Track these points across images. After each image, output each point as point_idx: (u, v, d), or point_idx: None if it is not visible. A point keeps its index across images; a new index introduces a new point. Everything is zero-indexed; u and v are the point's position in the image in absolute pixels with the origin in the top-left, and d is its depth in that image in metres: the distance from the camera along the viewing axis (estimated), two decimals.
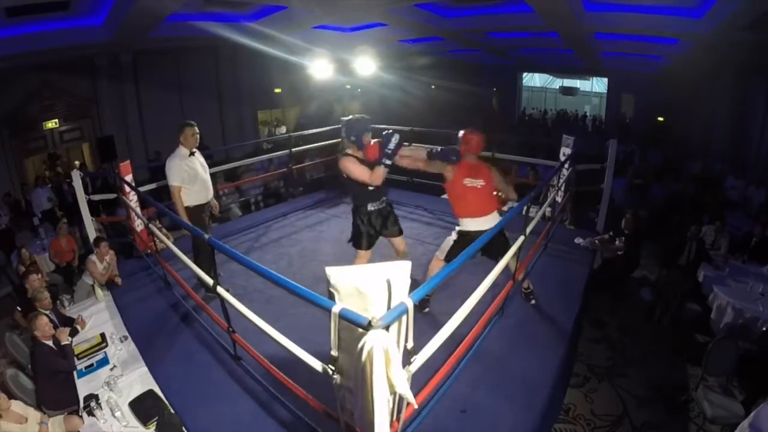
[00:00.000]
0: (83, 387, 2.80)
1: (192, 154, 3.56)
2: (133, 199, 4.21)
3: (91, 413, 2.53)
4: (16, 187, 8.65)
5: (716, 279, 4.81)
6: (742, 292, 4.51)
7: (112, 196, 4.72)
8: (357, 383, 1.49)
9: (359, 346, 1.36)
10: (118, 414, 2.49)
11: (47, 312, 3.12)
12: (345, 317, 1.40)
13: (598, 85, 17.56)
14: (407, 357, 1.59)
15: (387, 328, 1.34)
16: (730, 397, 3.36)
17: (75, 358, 3.00)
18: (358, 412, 1.60)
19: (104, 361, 3.01)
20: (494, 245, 2.74)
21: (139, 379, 2.78)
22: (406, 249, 3.51)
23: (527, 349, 2.91)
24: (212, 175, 3.83)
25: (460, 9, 9.36)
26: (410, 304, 1.42)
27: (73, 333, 3.20)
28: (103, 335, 3.25)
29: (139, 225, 4.36)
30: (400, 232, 3.38)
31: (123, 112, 10.36)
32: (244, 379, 2.67)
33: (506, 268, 2.79)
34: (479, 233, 2.75)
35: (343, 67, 8.75)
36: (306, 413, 2.25)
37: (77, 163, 9.53)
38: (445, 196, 6.10)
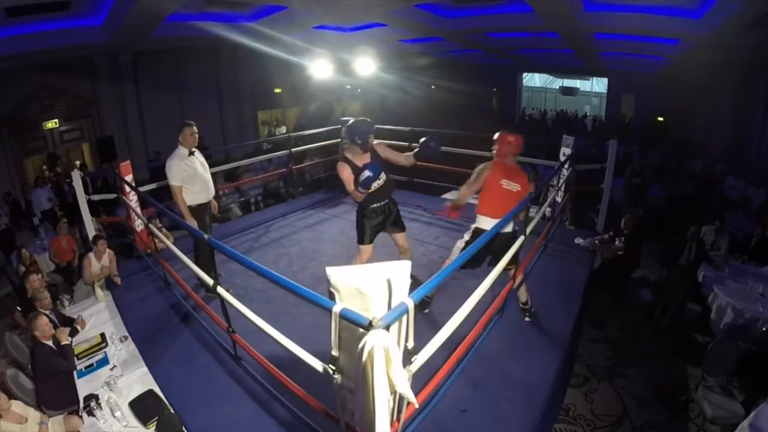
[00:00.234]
0: (83, 387, 2.79)
1: (192, 153, 3.56)
2: (133, 199, 4.22)
3: (91, 413, 2.53)
4: (16, 187, 8.65)
5: (716, 279, 4.81)
6: (742, 293, 4.51)
7: (112, 196, 4.72)
8: (357, 383, 1.49)
9: (360, 346, 1.36)
10: (118, 414, 2.49)
11: (47, 312, 3.12)
12: (345, 317, 1.40)
13: (598, 85, 17.57)
14: (407, 357, 1.59)
15: (387, 328, 1.34)
16: (730, 398, 3.36)
17: (75, 358, 2.99)
18: (358, 412, 1.60)
19: (104, 361, 3.01)
20: (503, 249, 2.68)
21: (139, 379, 2.78)
22: (410, 250, 3.54)
23: (527, 349, 2.91)
24: (212, 175, 3.83)
25: (460, 9, 9.36)
26: (411, 304, 1.42)
27: (73, 333, 3.20)
28: (103, 335, 3.25)
29: (139, 225, 4.36)
30: (403, 229, 3.41)
31: (123, 112, 10.36)
32: (245, 379, 2.67)
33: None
34: (502, 234, 2.79)
35: (343, 67, 8.76)
36: (306, 413, 2.25)
37: (77, 163, 9.53)
38: (445, 195, 6.17)
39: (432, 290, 2.50)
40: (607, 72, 15.61)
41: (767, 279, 4.72)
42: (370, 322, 1.31)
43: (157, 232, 3.75)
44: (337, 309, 1.43)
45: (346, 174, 3.07)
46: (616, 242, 4.92)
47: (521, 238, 2.76)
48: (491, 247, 2.69)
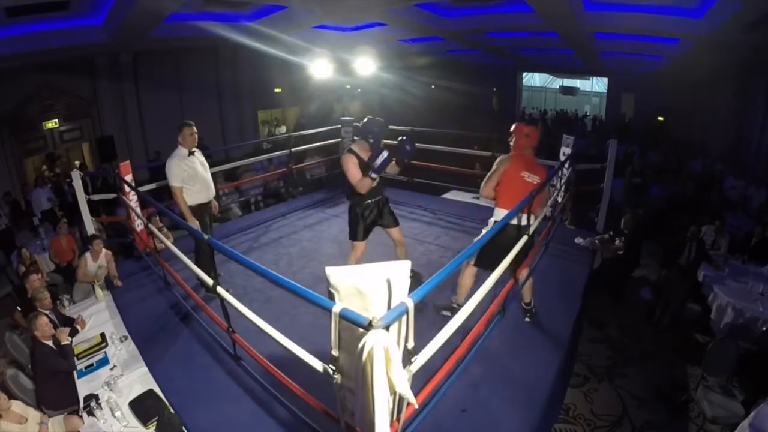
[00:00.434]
0: (83, 387, 2.79)
1: (192, 153, 3.56)
2: (133, 199, 4.22)
3: (91, 413, 2.53)
4: (16, 187, 8.65)
5: (716, 279, 4.81)
6: (742, 292, 4.51)
7: (112, 196, 4.72)
8: (357, 383, 1.49)
9: (360, 345, 1.36)
10: (118, 414, 2.49)
11: (47, 312, 3.12)
12: (345, 317, 1.40)
13: (598, 85, 17.56)
14: (408, 357, 1.59)
15: (387, 327, 1.34)
16: (730, 397, 3.36)
17: (75, 358, 2.99)
18: (358, 412, 1.60)
19: (104, 361, 3.01)
20: (522, 249, 2.66)
21: (139, 379, 2.78)
22: (405, 243, 3.59)
23: (527, 349, 2.91)
24: (212, 175, 3.82)
25: (460, 9, 9.36)
26: (410, 304, 1.42)
27: (73, 333, 3.20)
28: (103, 335, 3.25)
29: (138, 225, 4.36)
30: (396, 223, 3.47)
31: (123, 112, 10.35)
32: (244, 379, 2.67)
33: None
34: (514, 227, 2.81)
35: (343, 67, 8.74)
36: (306, 413, 2.25)
37: (77, 163, 9.52)
38: (445, 196, 6.16)
39: (431, 291, 2.49)
40: (607, 72, 15.61)
41: (767, 279, 4.72)
42: (370, 322, 1.31)
43: (157, 232, 3.75)
44: (336, 309, 1.43)
45: (352, 165, 3.13)
46: (616, 242, 4.92)
47: (524, 238, 2.75)
48: (507, 242, 2.66)
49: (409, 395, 1.43)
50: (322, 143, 6.59)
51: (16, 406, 2.51)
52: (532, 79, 19.26)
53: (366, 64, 7.02)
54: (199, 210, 3.61)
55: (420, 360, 1.65)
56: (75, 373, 2.91)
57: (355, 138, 3.78)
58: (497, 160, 3.00)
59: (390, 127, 5.80)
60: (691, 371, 4.04)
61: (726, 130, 11.18)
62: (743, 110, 10.56)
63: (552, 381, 2.64)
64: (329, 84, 11.71)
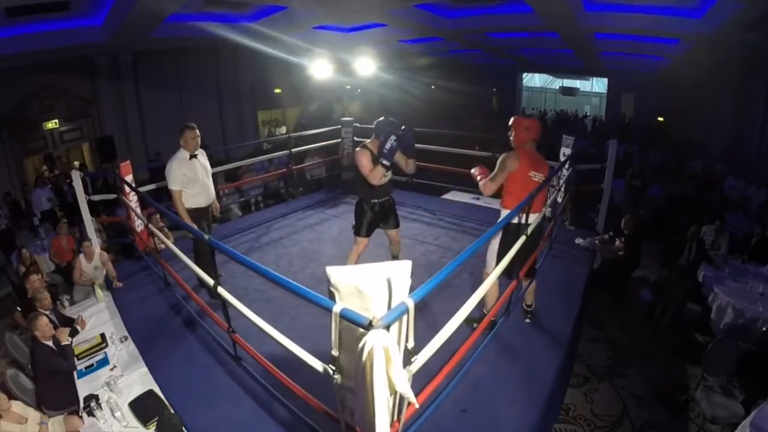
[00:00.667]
0: (83, 387, 2.79)
1: (194, 156, 3.50)
2: (133, 199, 4.22)
3: (91, 413, 2.53)
4: (16, 187, 8.65)
5: (716, 279, 4.81)
6: (742, 292, 4.51)
7: (112, 196, 4.71)
8: (358, 383, 1.49)
9: (360, 345, 1.36)
10: (118, 414, 2.49)
11: (47, 312, 3.12)
12: (345, 317, 1.40)
13: (598, 85, 17.57)
14: (408, 357, 1.59)
15: (388, 327, 1.34)
16: (730, 397, 3.36)
17: (75, 359, 2.99)
18: (358, 412, 1.60)
19: (104, 362, 3.01)
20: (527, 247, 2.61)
21: (139, 380, 2.78)
22: (401, 244, 3.69)
23: (527, 349, 2.91)
24: (212, 175, 3.79)
25: (459, 9, 9.37)
26: (411, 304, 1.42)
27: (73, 333, 3.20)
28: (103, 335, 3.25)
29: (139, 225, 4.36)
30: (397, 226, 3.58)
31: (123, 112, 10.36)
32: (245, 379, 2.67)
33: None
34: (525, 226, 2.73)
35: (343, 67, 8.75)
36: (306, 413, 2.25)
37: (76, 163, 9.53)
38: (444, 196, 6.16)
39: (432, 290, 2.48)
40: (607, 72, 15.61)
41: (767, 279, 4.72)
42: (370, 321, 1.31)
43: (157, 232, 3.74)
44: (337, 309, 1.43)
45: (364, 158, 3.22)
46: (616, 242, 4.92)
47: (522, 238, 2.75)
48: (529, 240, 2.63)
49: (410, 395, 1.43)
50: (322, 144, 6.59)
51: (16, 406, 2.51)
52: (532, 80, 19.28)
53: (366, 65, 7.02)
54: (197, 214, 3.55)
55: (420, 360, 1.65)
56: (75, 373, 2.90)
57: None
58: (501, 158, 2.88)
59: None
60: (691, 371, 4.04)
61: (726, 130, 11.18)
62: (743, 110, 10.57)
63: (552, 381, 2.64)
64: (329, 84, 11.72)
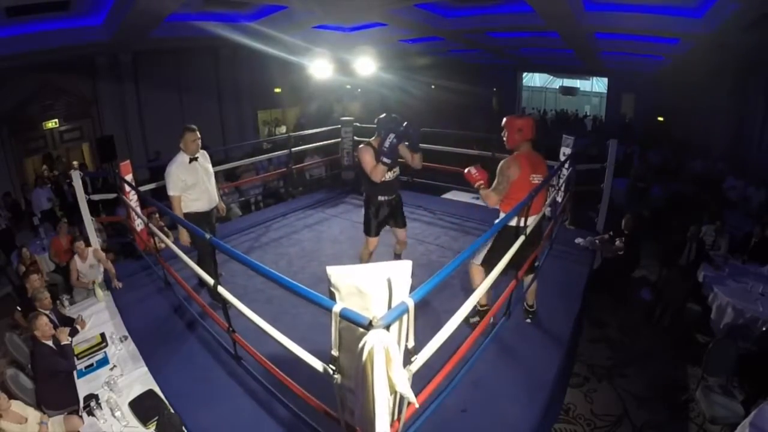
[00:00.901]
0: (83, 387, 2.79)
1: (194, 159, 3.39)
2: (133, 198, 4.21)
3: (91, 413, 2.53)
4: (16, 187, 8.65)
5: (716, 279, 4.81)
6: (742, 292, 4.51)
7: (112, 196, 4.72)
8: (358, 383, 1.49)
9: (360, 345, 1.36)
10: (118, 414, 2.49)
11: (47, 312, 3.12)
12: (346, 317, 1.40)
13: (598, 85, 17.55)
14: (408, 356, 1.59)
15: (388, 327, 1.34)
16: (730, 397, 3.36)
17: (75, 358, 2.99)
18: (358, 411, 1.60)
19: (104, 361, 3.01)
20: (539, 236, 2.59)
21: (139, 379, 2.78)
22: (407, 245, 3.69)
23: (527, 349, 2.91)
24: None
25: (460, 9, 9.36)
26: (411, 304, 1.42)
27: (73, 333, 3.20)
28: (103, 335, 3.25)
29: (139, 225, 4.36)
30: (404, 225, 3.57)
31: (123, 112, 10.35)
32: (245, 379, 2.67)
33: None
34: (522, 229, 2.69)
35: (343, 67, 8.75)
36: (306, 413, 2.25)
37: (75, 163, 9.52)
38: (445, 195, 6.16)
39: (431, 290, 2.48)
40: (607, 72, 15.59)
41: (767, 279, 4.72)
42: (370, 321, 1.31)
43: (157, 232, 3.74)
44: (337, 308, 1.43)
45: (367, 155, 3.21)
46: (616, 242, 4.92)
47: (521, 238, 2.75)
48: (528, 239, 2.61)
49: (410, 395, 1.43)
50: (321, 143, 6.59)
51: (16, 406, 2.51)
52: (532, 80, 19.25)
53: (366, 65, 7.02)
54: (198, 218, 3.41)
55: (420, 360, 1.65)
56: (75, 373, 2.91)
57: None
58: (501, 166, 2.78)
59: None
60: (691, 371, 4.04)
61: (726, 130, 11.18)
62: (743, 110, 10.56)
63: (552, 381, 2.64)
64: (329, 84, 11.73)
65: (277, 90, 14.04)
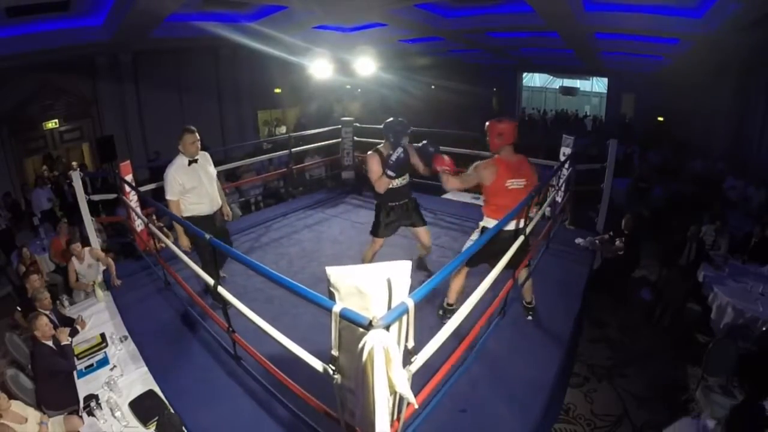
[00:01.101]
0: (83, 387, 2.79)
1: (194, 161, 3.29)
2: (133, 199, 4.22)
3: (91, 413, 2.53)
4: (16, 187, 8.65)
5: (716, 279, 4.81)
6: (742, 292, 4.51)
7: (112, 196, 4.72)
8: (357, 383, 1.49)
9: (360, 345, 1.36)
10: (118, 414, 2.49)
11: (47, 312, 3.12)
12: (345, 317, 1.40)
13: (598, 85, 17.55)
14: (408, 357, 1.59)
15: (387, 327, 1.34)
16: (730, 397, 3.36)
17: (75, 358, 2.99)
18: (358, 411, 1.60)
19: (104, 361, 3.01)
20: (507, 248, 2.58)
21: (139, 379, 2.78)
22: (431, 249, 3.69)
23: (527, 349, 2.91)
24: None
25: (460, 9, 9.37)
26: (411, 304, 1.42)
27: (73, 333, 3.20)
28: (103, 335, 3.25)
29: (139, 225, 4.36)
30: (423, 224, 3.53)
31: (123, 112, 10.35)
32: (245, 379, 2.67)
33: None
34: (506, 232, 2.70)
35: (343, 67, 8.76)
36: (306, 413, 2.25)
37: (75, 164, 9.52)
38: (445, 195, 6.16)
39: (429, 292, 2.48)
40: (607, 72, 15.60)
41: (767, 279, 4.72)
42: (370, 321, 1.31)
43: (157, 232, 3.74)
44: (337, 309, 1.43)
45: (374, 163, 3.19)
46: (616, 242, 4.92)
47: (521, 238, 2.75)
48: (494, 247, 2.59)
49: (409, 395, 1.43)
50: (322, 143, 6.59)
51: (16, 406, 2.51)
52: (532, 80, 19.25)
53: (366, 65, 7.02)
54: (197, 223, 3.14)
55: (420, 360, 1.65)
56: (75, 373, 2.91)
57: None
58: (476, 165, 2.79)
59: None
60: (691, 371, 4.04)
61: (726, 130, 11.18)
62: (743, 110, 10.56)
63: (552, 381, 2.64)
64: (329, 84, 11.73)
65: (277, 90, 14.04)
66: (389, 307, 1.44)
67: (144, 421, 2.45)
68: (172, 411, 2.48)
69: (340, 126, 6.29)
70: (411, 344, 1.56)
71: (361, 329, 1.35)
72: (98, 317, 3.53)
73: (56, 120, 9.60)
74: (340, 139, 6.32)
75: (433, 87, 16.97)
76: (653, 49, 10.26)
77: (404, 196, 3.39)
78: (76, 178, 4.21)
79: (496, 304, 2.80)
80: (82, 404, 2.63)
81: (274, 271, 1.88)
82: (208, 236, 2.45)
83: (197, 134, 3.28)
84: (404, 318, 1.46)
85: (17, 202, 8.09)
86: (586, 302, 3.85)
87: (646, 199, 7.97)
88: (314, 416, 2.18)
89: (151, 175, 6.58)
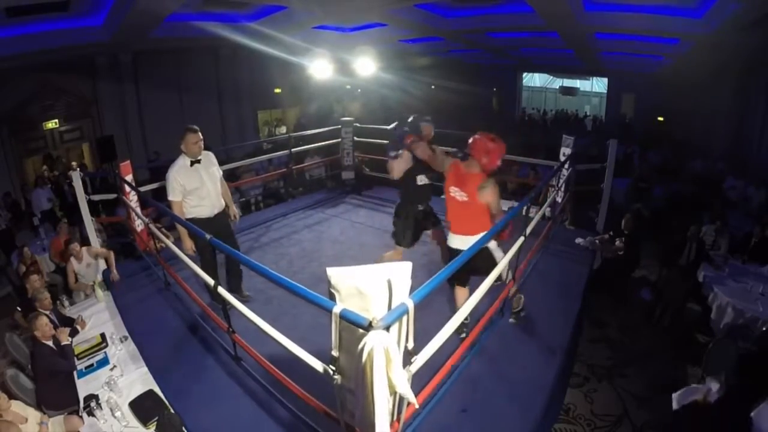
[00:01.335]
0: (83, 387, 2.80)
1: (197, 162, 3.20)
2: (133, 199, 4.22)
3: (91, 413, 2.53)
4: (16, 187, 8.65)
5: (716, 279, 4.80)
6: (742, 292, 4.51)
7: (112, 196, 4.72)
8: (357, 383, 1.49)
9: (360, 346, 1.36)
10: (118, 414, 2.49)
11: (47, 312, 3.13)
12: (345, 318, 1.40)
13: (598, 85, 17.55)
14: (408, 357, 1.59)
15: (387, 328, 1.34)
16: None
17: (75, 359, 3.00)
18: (358, 412, 1.60)
19: (104, 361, 3.01)
20: (479, 264, 2.44)
21: (139, 379, 2.78)
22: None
23: (527, 348, 2.91)
24: None
25: (460, 9, 9.37)
26: (411, 305, 1.42)
27: (73, 333, 3.20)
28: (103, 335, 3.25)
29: (139, 225, 4.36)
30: (440, 224, 3.49)
31: (123, 112, 10.36)
32: (245, 379, 2.67)
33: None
34: (456, 252, 2.52)
35: (343, 67, 8.75)
36: (306, 413, 2.25)
37: (75, 164, 9.52)
38: (444, 196, 6.16)
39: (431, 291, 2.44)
40: (607, 72, 15.60)
41: (767, 279, 4.72)
42: (370, 322, 1.31)
43: (157, 232, 3.74)
44: (337, 309, 1.43)
45: (393, 161, 3.25)
46: (616, 242, 4.92)
47: (521, 239, 2.75)
48: (467, 265, 2.13)
49: (410, 395, 1.43)
50: (322, 144, 6.59)
51: (16, 406, 2.51)
52: (532, 80, 19.26)
53: (366, 65, 7.02)
54: (200, 225, 3.03)
55: (420, 360, 1.65)
56: (75, 373, 2.91)
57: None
58: (445, 159, 2.88)
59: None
60: (691, 371, 4.04)
61: (726, 130, 11.18)
62: (743, 110, 10.56)
63: (552, 381, 2.64)
64: (329, 84, 11.72)
65: (277, 90, 14.04)
66: (389, 308, 1.44)
67: (144, 421, 2.45)
68: (172, 411, 2.48)
69: (340, 126, 6.29)
70: (411, 345, 1.56)
71: (361, 330, 1.35)
72: (98, 317, 3.53)
73: (56, 120, 9.60)
74: (340, 139, 6.32)
75: (433, 87, 16.97)
76: (653, 49, 10.26)
77: (429, 196, 3.43)
78: (76, 178, 4.21)
79: (496, 305, 2.80)
80: (82, 404, 2.63)
81: (274, 271, 1.88)
82: (208, 236, 2.45)
83: (200, 134, 3.19)
84: (404, 319, 1.46)
85: (17, 202, 8.10)
86: (586, 302, 3.85)
87: (646, 199, 7.97)
88: (314, 417, 2.18)
89: (151, 175, 6.58)
